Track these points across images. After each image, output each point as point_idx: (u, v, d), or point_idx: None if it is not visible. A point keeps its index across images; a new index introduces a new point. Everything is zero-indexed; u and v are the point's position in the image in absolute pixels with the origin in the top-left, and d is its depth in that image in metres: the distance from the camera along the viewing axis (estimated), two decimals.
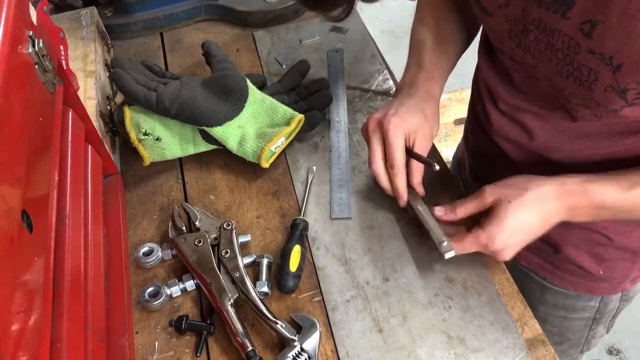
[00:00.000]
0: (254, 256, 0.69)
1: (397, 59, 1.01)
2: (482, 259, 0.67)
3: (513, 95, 0.71)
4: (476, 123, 0.82)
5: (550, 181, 0.61)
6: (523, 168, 0.75)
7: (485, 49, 0.75)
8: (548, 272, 0.82)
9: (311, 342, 0.61)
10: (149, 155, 0.77)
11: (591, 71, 0.54)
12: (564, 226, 0.62)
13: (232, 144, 0.77)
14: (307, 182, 0.77)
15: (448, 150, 1.76)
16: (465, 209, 0.64)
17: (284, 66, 0.96)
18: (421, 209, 0.68)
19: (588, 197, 0.59)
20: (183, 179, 0.81)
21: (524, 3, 0.58)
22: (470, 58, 0.82)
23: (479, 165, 0.89)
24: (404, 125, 0.67)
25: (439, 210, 0.66)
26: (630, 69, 0.51)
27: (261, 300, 0.62)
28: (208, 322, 0.64)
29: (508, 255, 0.61)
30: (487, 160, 0.83)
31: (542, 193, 0.60)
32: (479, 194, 0.63)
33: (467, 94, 1.83)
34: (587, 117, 0.62)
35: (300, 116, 0.79)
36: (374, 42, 1.00)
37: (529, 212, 0.60)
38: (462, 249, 0.63)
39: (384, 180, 0.69)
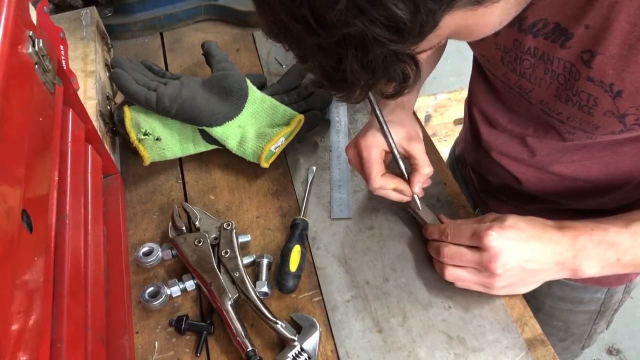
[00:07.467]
0: (254, 256, 0.69)
1: None
2: None
3: (509, 120, 0.71)
4: (474, 143, 0.83)
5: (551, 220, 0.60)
6: (526, 180, 0.75)
7: (479, 76, 0.75)
8: None
9: (311, 342, 0.61)
10: (149, 155, 0.77)
11: (590, 97, 0.55)
12: (570, 218, 0.62)
13: (232, 144, 0.77)
14: (307, 182, 0.77)
15: (448, 150, 1.76)
16: (466, 221, 0.65)
17: (284, 66, 0.96)
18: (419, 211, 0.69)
19: (591, 231, 0.57)
20: (183, 179, 0.81)
21: (516, 35, 0.58)
22: (471, 58, 0.82)
23: (482, 170, 0.90)
24: (375, 141, 0.66)
25: (442, 217, 0.68)
26: (631, 95, 0.52)
27: (261, 300, 0.62)
28: (208, 322, 0.64)
29: (502, 256, 0.57)
30: (490, 171, 0.83)
31: (543, 220, 0.59)
32: (483, 215, 0.64)
33: (467, 93, 1.84)
34: (583, 138, 0.63)
35: (300, 116, 0.79)
36: None
37: (529, 222, 0.59)
38: (457, 232, 0.61)
39: (389, 195, 0.69)
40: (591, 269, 0.57)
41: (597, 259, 0.57)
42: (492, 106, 0.73)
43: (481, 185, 0.90)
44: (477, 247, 0.59)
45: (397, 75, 0.43)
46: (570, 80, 0.56)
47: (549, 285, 0.84)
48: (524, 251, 0.57)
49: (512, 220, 0.59)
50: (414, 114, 0.78)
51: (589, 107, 0.55)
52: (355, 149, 0.68)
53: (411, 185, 0.67)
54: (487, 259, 0.58)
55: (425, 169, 0.66)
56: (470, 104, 0.83)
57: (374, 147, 0.66)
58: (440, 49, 0.80)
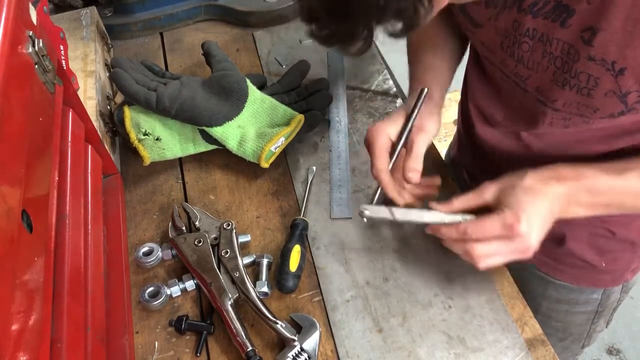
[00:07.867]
0: (254, 256, 0.69)
1: (397, 59, 1.01)
2: None
3: (504, 116, 0.71)
4: (469, 142, 0.83)
5: (545, 168, 0.60)
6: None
7: (475, 68, 0.75)
8: (550, 267, 0.82)
9: (311, 342, 0.61)
10: (149, 155, 0.77)
11: (590, 77, 0.54)
12: (566, 221, 0.62)
13: (232, 144, 0.77)
14: (307, 182, 0.77)
15: None
16: (462, 201, 0.62)
17: (284, 66, 0.96)
18: (409, 215, 0.64)
19: (583, 180, 0.58)
20: (183, 179, 0.81)
21: (515, 15, 0.57)
22: None
23: (476, 170, 0.89)
24: (384, 127, 0.66)
25: (434, 204, 0.63)
26: (634, 72, 0.51)
27: (261, 300, 0.62)
28: (208, 322, 0.64)
29: (534, 241, 0.57)
30: (484, 170, 0.83)
31: (540, 174, 0.59)
32: (478, 188, 0.62)
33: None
34: (579, 124, 0.62)
35: (300, 116, 0.79)
36: (374, 42, 1.00)
37: (535, 192, 0.58)
38: (481, 231, 0.58)
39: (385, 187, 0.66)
40: (579, 211, 0.59)
41: (586, 204, 0.59)
42: (487, 101, 0.73)
43: (475, 188, 0.90)
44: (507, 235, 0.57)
45: (408, 6, 0.39)
46: (568, 63, 0.55)
47: (545, 287, 0.85)
48: (545, 217, 0.58)
49: (523, 196, 0.57)
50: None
51: (589, 88, 0.55)
52: (368, 133, 0.68)
53: (390, 165, 0.65)
54: (522, 245, 0.57)
55: (409, 160, 0.64)
56: (464, 103, 0.83)
57: (379, 135, 0.66)
58: (461, 40, 0.78)
